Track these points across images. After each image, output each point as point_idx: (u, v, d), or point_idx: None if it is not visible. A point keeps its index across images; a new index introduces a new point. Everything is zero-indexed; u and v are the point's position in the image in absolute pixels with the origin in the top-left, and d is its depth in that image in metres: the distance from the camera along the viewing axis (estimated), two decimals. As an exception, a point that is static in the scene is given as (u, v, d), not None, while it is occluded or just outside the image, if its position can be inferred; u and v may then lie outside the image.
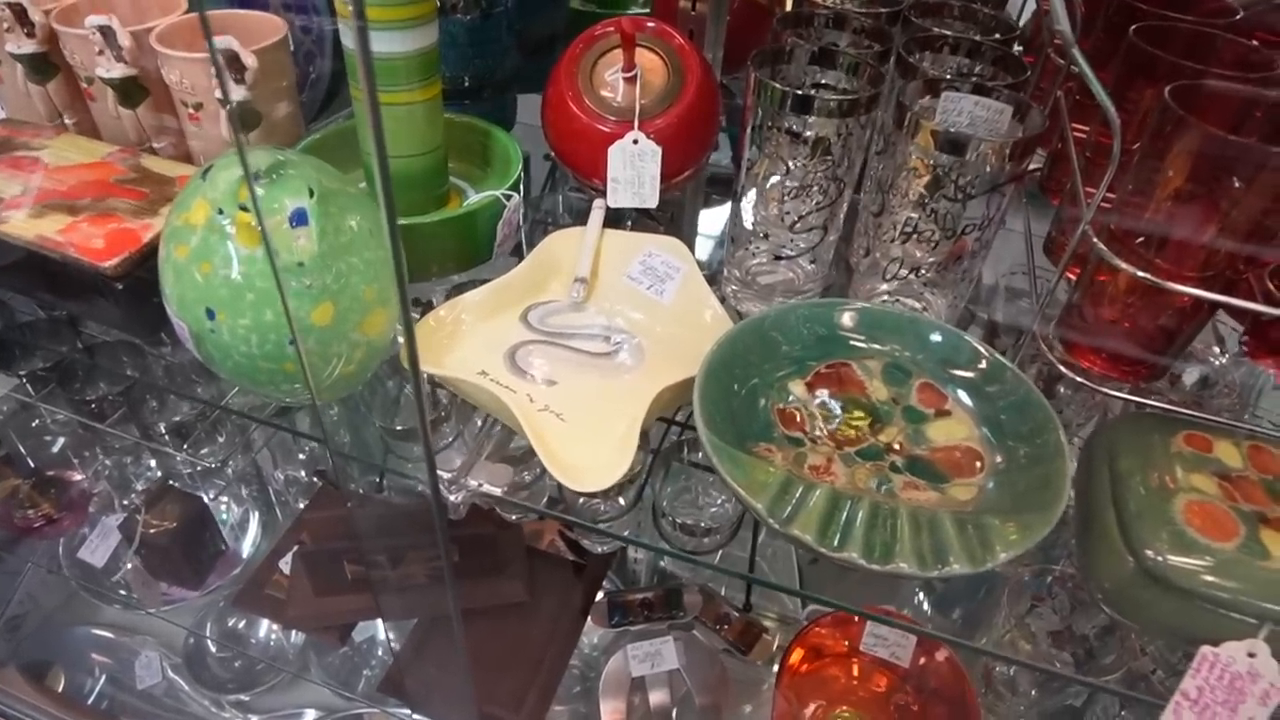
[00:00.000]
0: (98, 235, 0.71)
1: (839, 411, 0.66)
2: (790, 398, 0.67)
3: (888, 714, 0.91)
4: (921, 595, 1.04)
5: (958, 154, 0.63)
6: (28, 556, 1.24)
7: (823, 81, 0.73)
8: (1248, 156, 0.57)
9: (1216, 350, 0.79)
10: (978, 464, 0.63)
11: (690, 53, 0.77)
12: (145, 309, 0.73)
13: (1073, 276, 0.71)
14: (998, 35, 0.78)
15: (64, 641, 1.38)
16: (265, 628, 1.34)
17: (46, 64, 0.86)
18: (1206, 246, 0.61)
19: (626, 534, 0.96)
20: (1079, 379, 0.67)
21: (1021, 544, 0.54)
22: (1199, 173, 0.59)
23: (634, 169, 0.77)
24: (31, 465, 1.14)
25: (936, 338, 0.68)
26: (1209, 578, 0.54)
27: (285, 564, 1.01)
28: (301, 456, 1.22)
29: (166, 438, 1.04)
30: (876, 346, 0.69)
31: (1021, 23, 0.99)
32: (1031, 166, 0.71)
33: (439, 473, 0.68)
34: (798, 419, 0.65)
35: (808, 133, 0.68)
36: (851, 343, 0.69)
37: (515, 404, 0.64)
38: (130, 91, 0.83)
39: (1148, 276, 0.59)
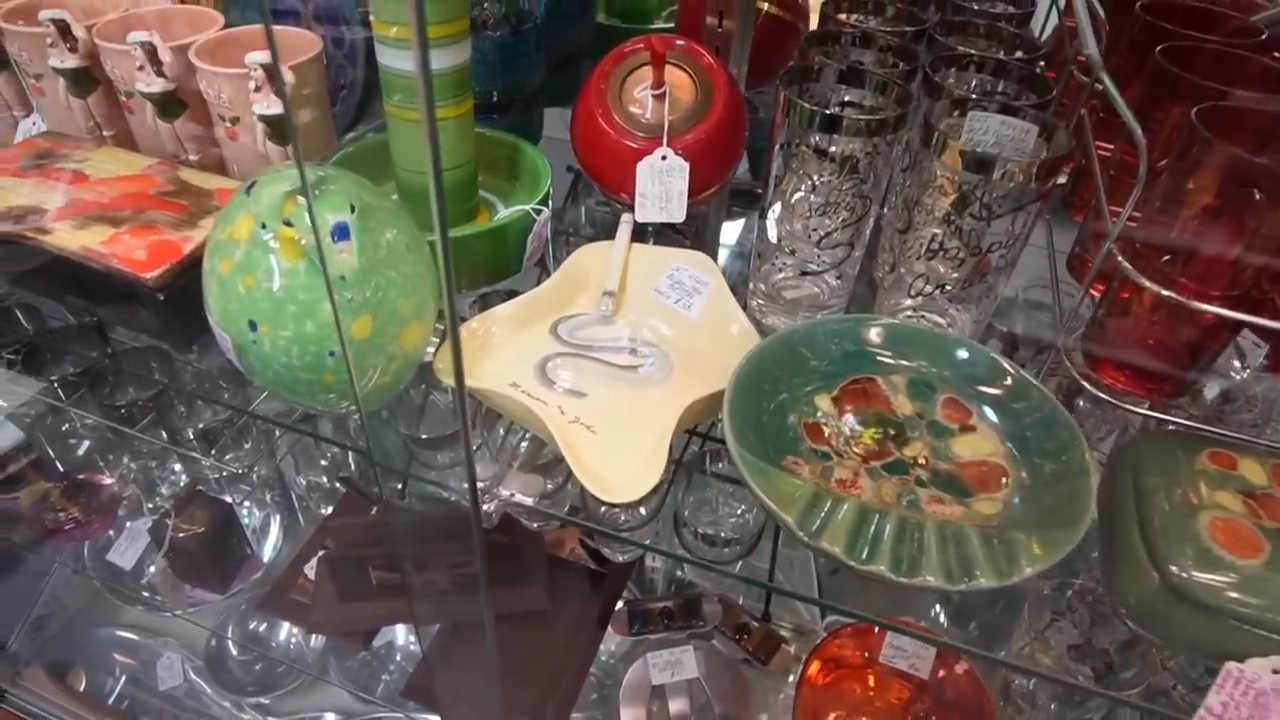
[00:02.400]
0: (140, 247, 0.73)
1: (865, 426, 0.67)
2: (818, 412, 0.68)
3: None
4: (939, 608, 1.05)
5: (984, 173, 0.64)
6: (54, 557, 1.27)
7: (849, 100, 0.74)
8: (1272, 176, 0.58)
9: (1238, 365, 0.79)
10: (1003, 479, 0.63)
11: (718, 71, 0.78)
12: (184, 318, 0.75)
13: (1096, 293, 0.72)
14: (1021, 53, 0.79)
15: (87, 642, 1.41)
16: (286, 631, 1.36)
17: (87, 78, 0.88)
18: (1231, 265, 0.62)
19: (647, 543, 0.98)
20: (1101, 394, 0.67)
21: (1046, 559, 0.55)
22: (1224, 192, 0.60)
23: (662, 184, 0.78)
24: (62, 469, 1.17)
25: (963, 354, 0.69)
26: (1234, 594, 0.55)
27: (310, 569, 1.02)
28: (324, 463, 1.23)
29: (194, 443, 1.06)
30: (902, 362, 0.70)
31: (1043, 38, 1.00)
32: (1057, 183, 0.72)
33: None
34: (825, 433, 0.66)
35: (835, 150, 0.69)
36: (878, 358, 0.70)
37: (547, 416, 0.65)
38: (169, 105, 0.85)
39: (1172, 295, 0.60)
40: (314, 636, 1.35)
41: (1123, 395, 0.69)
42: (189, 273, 0.73)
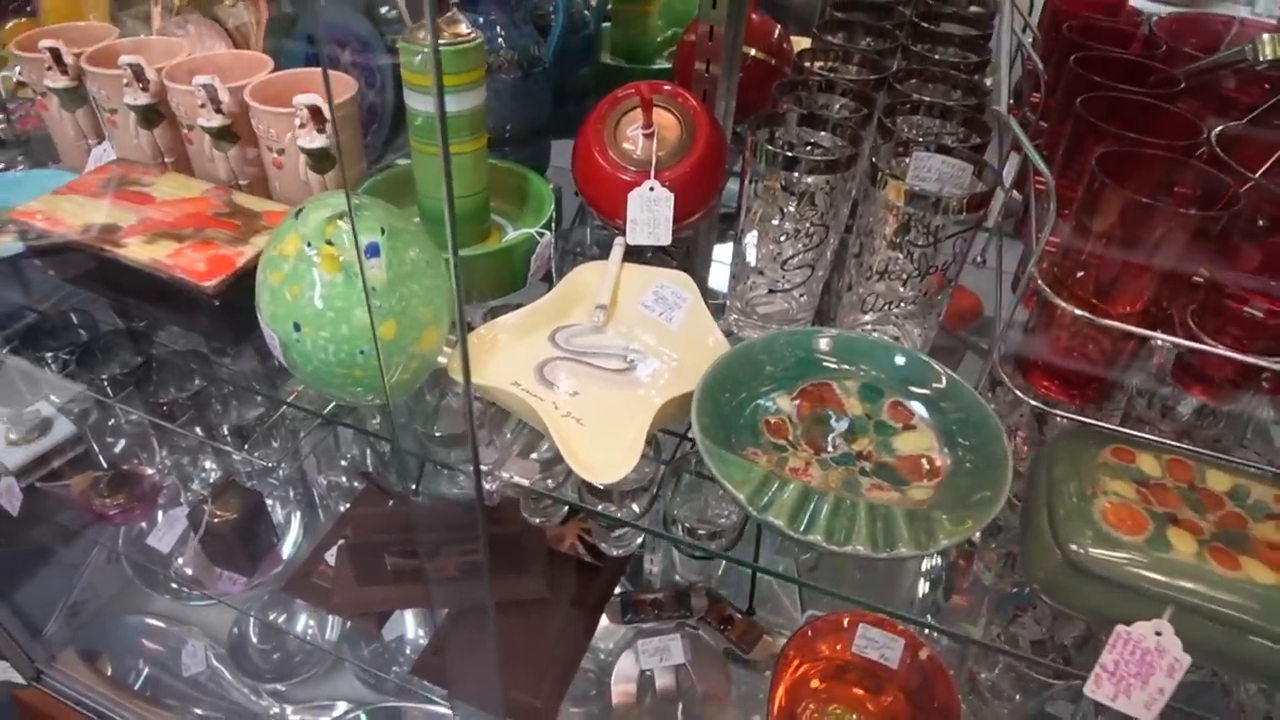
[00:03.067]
0: (200, 260, 0.87)
1: (818, 424, 0.79)
2: (778, 411, 0.80)
3: (877, 714, 1.02)
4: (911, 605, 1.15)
5: (923, 205, 0.77)
6: (95, 542, 1.40)
7: (811, 141, 0.87)
8: (1161, 215, 0.70)
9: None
10: (937, 469, 0.75)
11: (701, 113, 0.91)
12: (234, 321, 0.89)
13: (1028, 310, 0.84)
14: (973, 99, 0.92)
15: (117, 628, 1.55)
16: (303, 623, 1.49)
17: (155, 113, 1.02)
18: (1134, 288, 0.74)
19: (640, 540, 1.10)
20: (1025, 397, 0.79)
21: (959, 534, 0.66)
22: (1123, 225, 0.72)
23: (650, 212, 0.91)
24: (109, 460, 1.31)
25: (900, 360, 0.81)
26: (1123, 567, 0.66)
27: (331, 556, 1.16)
28: (343, 463, 1.37)
29: (228, 438, 1.20)
30: (853, 368, 0.82)
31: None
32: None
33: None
34: (783, 429, 0.79)
35: (797, 185, 0.82)
36: (830, 365, 0.82)
37: (543, 410, 0.78)
38: (224, 138, 0.99)
39: (1081, 313, 0.72)
40: (329, 628, 1.48)
41: (1051, 400, 0.80)
42: (240, 283, 0.87)
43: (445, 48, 0.84)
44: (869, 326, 0.87)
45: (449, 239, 0.60)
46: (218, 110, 0.97)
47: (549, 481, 0.93)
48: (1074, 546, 0.67)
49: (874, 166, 0.79)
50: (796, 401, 0.81)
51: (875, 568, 1.02)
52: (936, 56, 0.99)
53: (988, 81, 0.95)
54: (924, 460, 0.76)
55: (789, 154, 0.80)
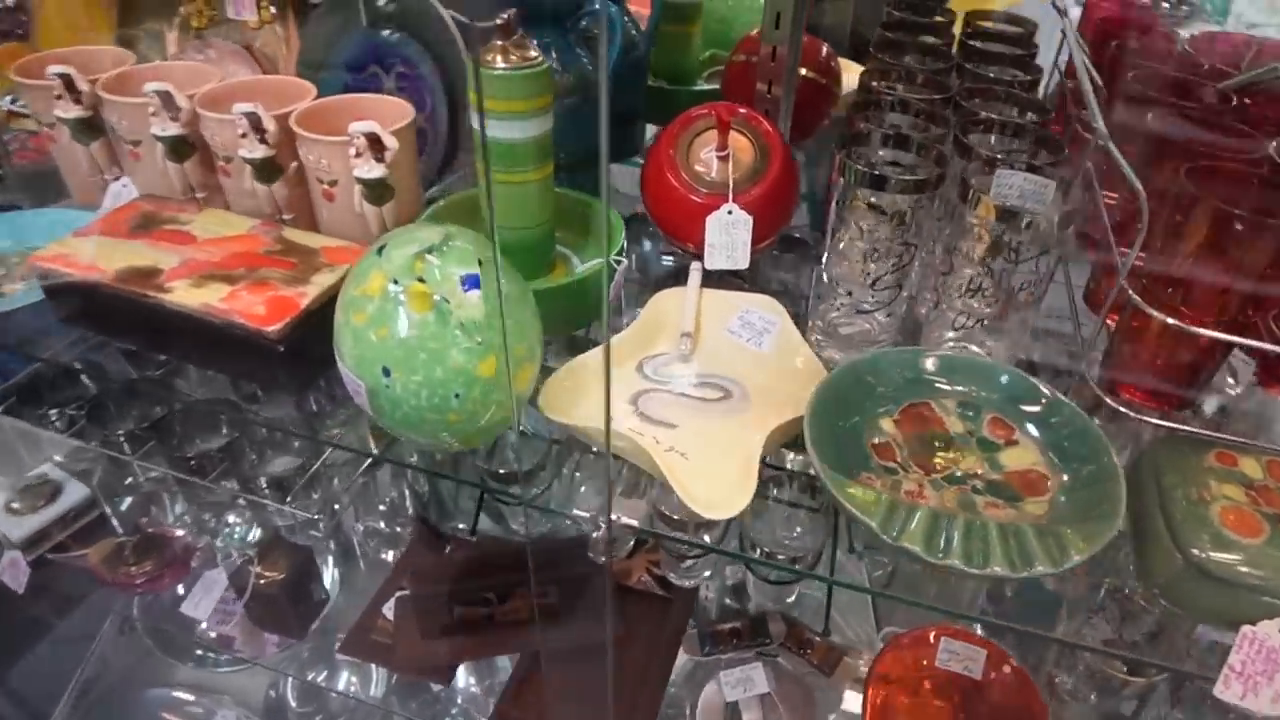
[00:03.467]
0: (258, 302, 0.84)
1: (925, 445, 0.81)
2: (882, 434, 0.81)
3: None
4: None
5: (1011, 222, 0.79)
6: (106, 612, 1.33)
7: (891, 160, 0.88)
8: (1248, 224, 0.73)
9: (1231, 381, 0.94)
10: (1047, 484, 0.77)
11: (774, 135, 0.92)
12: (301, 367, 0.86)
13: (1112, 322, 0.86)
14: (1033, 115, 0.94)
15: (136, 706, 1.45)
16: (345, 680, 1.44)
17: (185, 145, 0.99)
18: (1221, 295, 0.77)
19: (708, 574, 1.10)
20: (1122, 409, 0.81)
21: (1090, 548, 0.68)
22: (1211, 235, 0.75)
23: (728, 235, 0.91)
24: (128, 524, 1.25)
25: (1005, 379, 0.82)
26: (1245, 569, 0.68)
27: (389, 609, 1.12)
28: (382, 508, 1.33)
29: (267, 491, 1.16)
30: (951, 388, 0.84)
31: (1048, 93, 1.15)
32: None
33: (578, 511, 0.82)
34: (890, 452, 0.80)
35: (884, 205, 0.83)
36: (931, 385, 0.84)
37: (647, 446, 0.78)
38: (269, 170, 0.96)
39: (1176, 323, 0.74)
40: (374, 683, 1.43)
41: (1139, 408, 0.83)
42: (305, 325, 0.84)
43: (513, 72, 0.83)
44: (952, 344, 0.89)
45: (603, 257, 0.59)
46: (261, 140, 0.94)
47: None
48: (1196, 551, 0.69)
49: (964, 184, 0.80)
50: (898, 422, 0.82)
51: (948, 579, 1.04)
52: (991, 74, 1.01)
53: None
54: (1032, 475, 0.78)
55: (878, 173, 0.81)
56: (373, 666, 1.41)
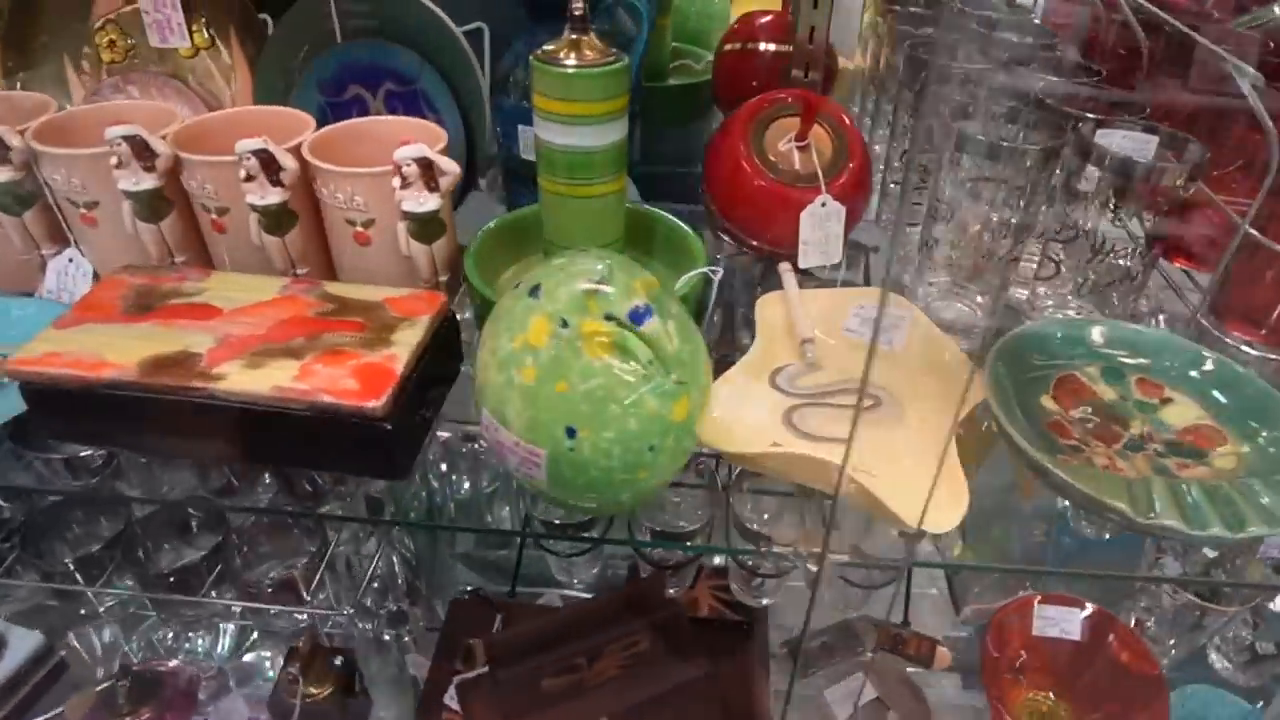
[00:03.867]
0: (344, 375, 0.70)
1: (1092, 417, 0.78)
2: (1048, 413, 0.78)
3: (1084, 690, 1.03)
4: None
5: (1129, 178, 0.78)
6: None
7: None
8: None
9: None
10: (1222, 435, 0.77)
11: (848, 120, 0.87)
12: (406, 445, 0.73)
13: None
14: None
15: None
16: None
17: (161, 200, 0.81)
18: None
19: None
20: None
21: None
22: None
23: (821, 230, 0.85)
24: (108, 665, 1.04)
25: (1138, 338, 0.81)
26: None
27: (450, 699, 0.99)
28: (375, 585, 1.17)
29: (272, 595, 0.99)
30: (1085, 354, 0.82)
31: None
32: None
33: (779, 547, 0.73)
34: (1066, 430, 0.77)
35: (1007, 178, 0.80)
36: (1069, 354, 0.82)
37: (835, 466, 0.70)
38: (282, 218, 0.81)
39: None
40: None
41: (1258, 347, 0.85)
42: (403, 394, 0.71)
43: (586, 71, 0.74)
44: (1073, 312, 0.87)
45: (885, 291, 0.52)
46: (275, 182, 0.79)
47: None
48: None
49: (1081, 141, 0.78)
50: (1055, 398, 0.79)
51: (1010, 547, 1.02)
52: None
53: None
54: (1204, 429, 0.77)
55: (1005, 144, 0.78)
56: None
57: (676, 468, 0.69)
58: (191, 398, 0.69)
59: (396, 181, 0.78)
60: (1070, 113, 0.84)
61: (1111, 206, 0.80)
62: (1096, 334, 0.81)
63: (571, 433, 0.63)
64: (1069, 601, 1.04)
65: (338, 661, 0.96)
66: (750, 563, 0.97)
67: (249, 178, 0.79)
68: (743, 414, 0.77)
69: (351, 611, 0.99)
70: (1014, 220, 0.81)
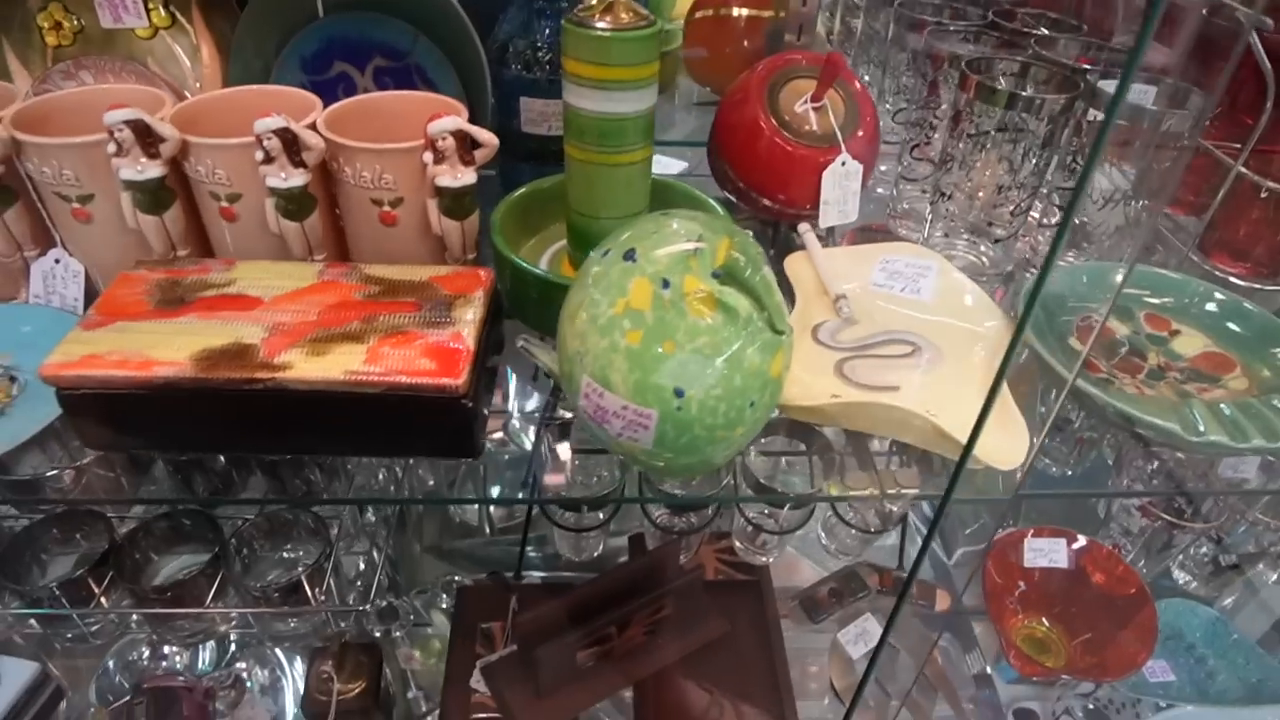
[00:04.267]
0: (415, 356, 0.67)
1: (1112, 352, 0.84)
2: (1074, 352, 0.83)
3: (1080, 615, 1.11)
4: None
5: (1137, 121, 0.84)
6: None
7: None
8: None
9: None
10: (1230, 362, 0.84)
11: (855, 80, 0.90)
12: (480, 420, 0.71)
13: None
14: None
15: None
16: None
17: (165, 189, 0.76)
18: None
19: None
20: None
21: None
22: None
23: (841, 189, 0.87)
24: (112, 689, 0.97)
25: (1141, 277, 0.88)
26: None
27: (476, 682, 0.97)
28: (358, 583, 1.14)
29: (276, 596, 0.94)
30: (1100, 297, 0.88)
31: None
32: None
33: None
34: (1095, 366, 0.82)
35: (1031, 127, 0.84)
36: (1082, 297, 0.87)
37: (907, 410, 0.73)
38: (304, 202, 0.77)
39: None
40: None
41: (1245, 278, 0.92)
42: (477, 370, 0.69)
43: (621, 34, 0.73)
44: (1090, 258, 0.93)
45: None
46: (297, 163, 0.75)
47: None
48: None
49: (1091, 93, 0.84)
50: (1078, 338, 0.85)
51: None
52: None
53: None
54: (1214, 356, 0.84)
55: (1026, 94, 0.82)
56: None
57: (763, 424, 0.70)
58: (258, 389, 0.65)
59: (429, 156, 0.76)
60: (1072, 65, 0.89)
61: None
62: (1118, 277, 0.87)
63: (680, 393, 0.63)
64: (1056, 533, 1.11)
65: (370, 657, 0.93)
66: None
67: (268, 159, 0.74)
68: (796, 370, 0.79)
69: (369, 606, 0.96)
70: (1027, 171, 0.85)
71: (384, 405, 0.67)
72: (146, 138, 0.73)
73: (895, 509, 0.76)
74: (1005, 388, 0.76)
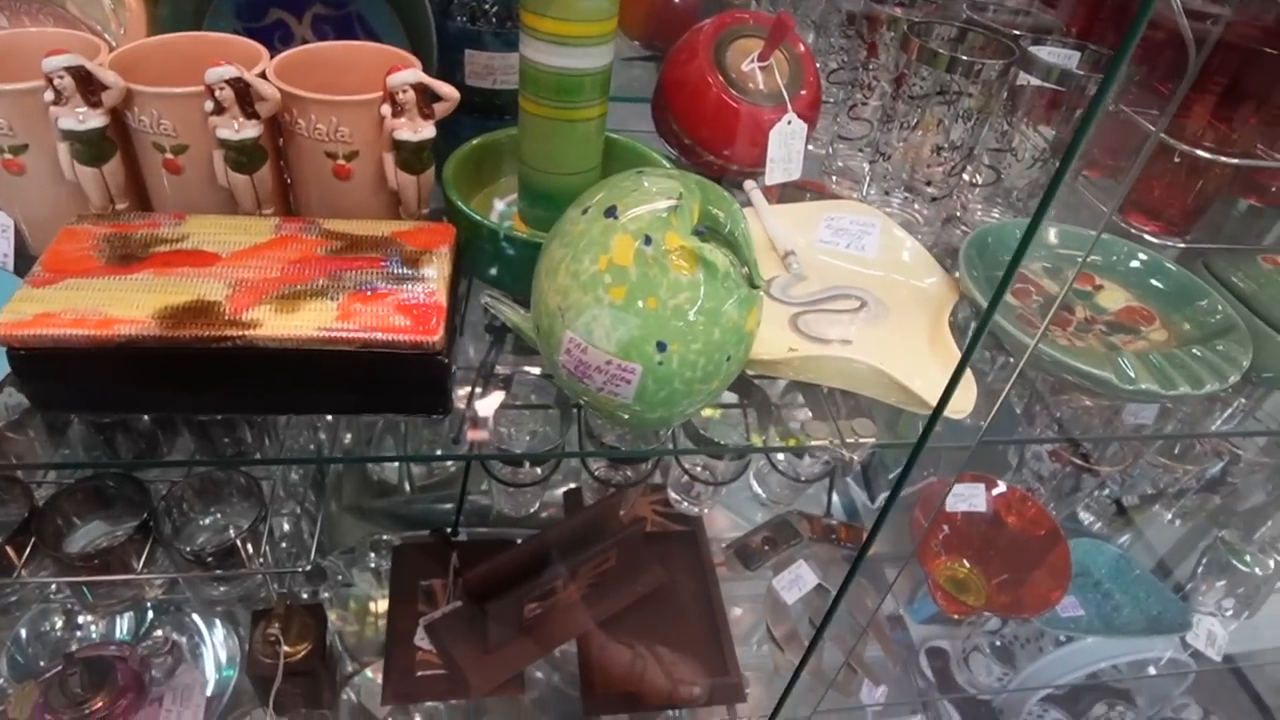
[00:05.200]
0: (388, 313, 0.67)
1: (1044, 309, 0.90)
2: (1012, 309, 0.88)
3: (999, 555, 1.18)
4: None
5: (1066, 84, 0.89)
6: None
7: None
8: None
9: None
10: (1150, 315, 0.91)
11: (799, 40, 0.93)
12: (450, 376, 0.72)
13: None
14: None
15: None
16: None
17: (106, 140, 0.73)
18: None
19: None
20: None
21: (1242, 362, 0.82)
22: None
23: (787, 147, 0.91)
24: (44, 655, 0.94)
25: (1068, 238, 0.95)
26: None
27: (420, 640, 0.98)
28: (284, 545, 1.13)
29: (211, 560, 0.93)
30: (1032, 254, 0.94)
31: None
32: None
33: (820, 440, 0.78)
34: (1031, 321, 0.88)
35: (971, 90, 0.88)
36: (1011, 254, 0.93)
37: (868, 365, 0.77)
38: (255, 155, 0.75)
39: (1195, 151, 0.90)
40: None
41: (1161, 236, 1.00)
42: (450, 327, 0.70)
43: None
44: (1014, 215, 0.98)
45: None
46: (251, 115, 0.73)
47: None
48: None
49: (1024, 58, 0.89)
50: (1015, 294, 0.90)
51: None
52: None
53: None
54: (1135, 309, 0.91)
55: (965, 58, 0.87)
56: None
57: (735, 377, 0.73)
58: (227, 348, 0.64)
59: (387, 109, 0.75)
60: (1005, 31, 0.94)
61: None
62: (1052, 235, 0.93)
63: (662, 347, 0.65)
64: (977, 479, 1.18)
65: (314, 619, 0.93)
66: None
67: (219, 110, 0.73)
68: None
69: (308, 566, 0.96)
70: (963, 132, 0.90)
71: (357, 363, 0.67)
72: (88, 85, 0.71)
73: (855, 458, 0.80)
74: (952, 341, 0.81)
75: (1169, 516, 1.30)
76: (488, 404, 0.88)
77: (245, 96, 0.73)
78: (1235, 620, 1.28)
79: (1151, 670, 1.33)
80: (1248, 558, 1.23)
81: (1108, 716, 1.43)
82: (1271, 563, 1.24)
